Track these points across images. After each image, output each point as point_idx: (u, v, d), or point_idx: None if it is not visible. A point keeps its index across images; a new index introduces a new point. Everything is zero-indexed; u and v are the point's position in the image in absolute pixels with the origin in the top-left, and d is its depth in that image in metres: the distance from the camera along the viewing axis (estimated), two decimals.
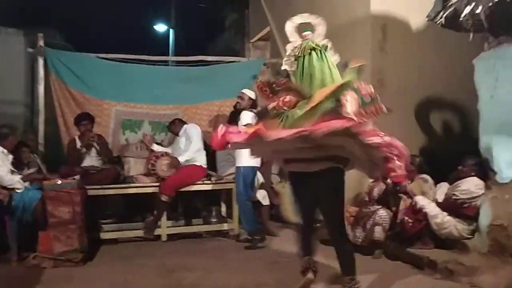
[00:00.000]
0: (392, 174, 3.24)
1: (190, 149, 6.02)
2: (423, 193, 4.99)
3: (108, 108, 6.86)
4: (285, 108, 3.39)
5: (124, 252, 5.37)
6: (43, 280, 4.29)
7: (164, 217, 5.90)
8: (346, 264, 3.54)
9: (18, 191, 5.01)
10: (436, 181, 5.20)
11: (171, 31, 15.87)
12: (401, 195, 5.10)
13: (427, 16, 5.00)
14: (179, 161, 5.93)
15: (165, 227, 5.94)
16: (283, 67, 3.73)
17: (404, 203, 4.97)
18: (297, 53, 3.57)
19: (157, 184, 5.88)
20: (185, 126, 6.32)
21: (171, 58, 10.39)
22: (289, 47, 3.70)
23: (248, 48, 11.07)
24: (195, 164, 6.04)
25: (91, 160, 6.03)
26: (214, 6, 13.31)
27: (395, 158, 3.17)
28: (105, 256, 5.19)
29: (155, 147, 6.17)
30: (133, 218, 6.47)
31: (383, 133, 3.20)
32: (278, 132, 3.17)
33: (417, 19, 6.12)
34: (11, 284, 4.15)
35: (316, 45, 3.54)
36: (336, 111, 3.26)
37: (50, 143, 6.66)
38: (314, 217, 3.84)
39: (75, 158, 5.99)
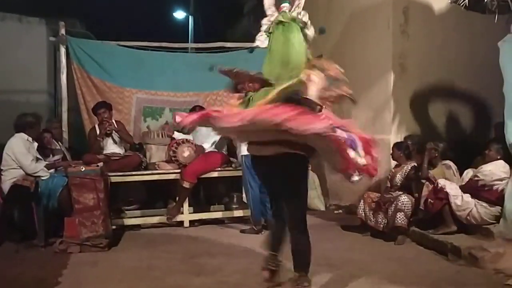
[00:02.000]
0: (344, 167, 2.93)
1: (214, 138, 6.05)
2: (446, 179, 4.95)
3: (129, 95, 6.92)
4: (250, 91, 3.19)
5: (147, 238, 5.45)
6: (69, 264, 4.39)
7: (186, 204, 5.96)
8: (299, 259, 3.20)
9: (43, 178, 5.11)
10: (462, 168, 5.15)
11: (190, 18, 15.84)
12: (424, 181, 5.08)
13: None
14: (201, 148, 5.97)
15: (187, 213, 6.01)
16: (254, 44, 3.41)
17: (426, 189, 4.95)
18: (269, 29, 3.27)
19: (179, 170, 5.93)
20: None
21: (191, 45, 10.37)
22: (265, 22, 3.38)
23: None
24: (216, 151, 6.08)
25: (114, 147, 6.10)
26: None
27: (347, 148, 2.85)
28: (129, 241, 5.28)
29: (176, 135, 6.22)
30: (156, 205, 6.56)
31: (333, 120, 2.90)
32: (228, 116, 2.86)
33: (439, 1, 6.01)
34: (39, 269, 4.24)
35: (284, 17, 3.24)
36: (297, 96, 2.99)
37: (73, 131, 6.78)
38: (280, 203, 3.37)
39: (96, 146, 6.07)
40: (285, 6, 3.33)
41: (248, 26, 12.78)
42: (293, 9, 3.32)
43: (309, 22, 3.32)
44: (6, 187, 5.06)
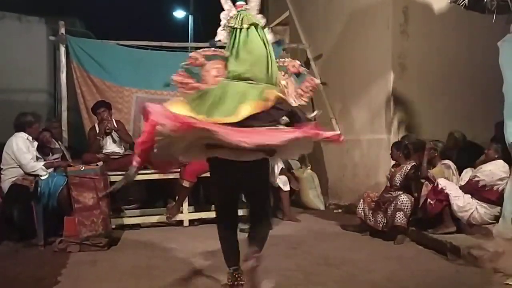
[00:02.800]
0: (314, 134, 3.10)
1: None
2: (445, 179, 4.96)
3: (128, 95, 6.91)
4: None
5: (147, 237, 5.45)
6: (69, 264, 4.39)
7: (185, 203, 5.96)
8: (261, 243, 3.37)
9: (43, 178, 5.11)
10: (461, 167, 5.15)
11: (190, 17, 15.85)
12: (423, 180, 5.08)
13: None
14: None
15: (186, 213, 6.01)
16: (217, 38, 3.42)
17: (426, 188, 4.95)
18: (233, 24, 3.25)
19: (178, 170, 5.93)
20: None
21: (191, 44, 10.35)
22: (223, 16, 3.40)
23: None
24: None
25: (113, 146, 6.10)
26: None
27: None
28: (128, 241, 5.28)
29: None
30: (155, 204, 6.56)
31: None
32: (221, 129, 2.81)
33: (439, 1, 6.02)
34: (38, 268, 4.24)
35: (253, 19, 3.26)
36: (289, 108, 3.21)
37: (73, 130, 6.78)
38: (237, 210, 3.63)
39: (96, 145, 6.07)
40: (243, 4, 3.39)
41: None
42: (250, 9, 3.37)
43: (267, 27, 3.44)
44: (5, 186, 5.07)
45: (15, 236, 5.13)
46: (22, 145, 5.08)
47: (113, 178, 5.62)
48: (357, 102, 6.92)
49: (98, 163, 5.41)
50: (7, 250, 4.86)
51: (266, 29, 3.38)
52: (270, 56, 3.25)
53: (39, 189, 5.04)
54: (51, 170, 5.28)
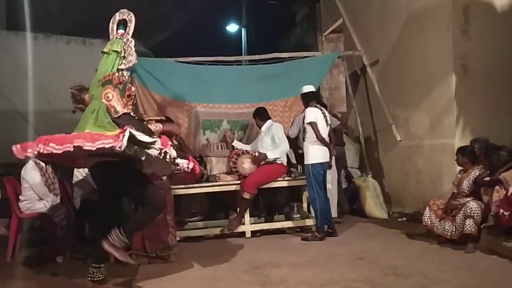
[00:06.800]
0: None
1: (281, 149, 6.12)
2: None
3: (188, 109, 7.08)
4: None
5: (211, 248, 5.53)
6: (138, 276, 4.52)
7: (247, 214, 6.01)
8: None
9: None
10: None
11: (243, 30, 16.08)
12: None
13: None
14: (263, 155, 6.00)
15: (248, 224, 6.06)
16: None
17: (497, 194, 4.69)
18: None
19: (239, 182, 6.00)
20: (270, 122, 6.38)
21: (245, 57, 10.51)
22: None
23: (320, 42, 10.99)
24: (276, 162, 6.10)
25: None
26: (284, 2, 13.32)
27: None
28: (193, 253, 5.37)
29: (235, 143, 6.33)
30: (217, 216, 6.65)
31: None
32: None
33: None
34: (110, 280, 4.39)
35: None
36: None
37: None
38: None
39: None
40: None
41: (301, 35, 12.81)
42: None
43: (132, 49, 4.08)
44: (77, 202, 5.30)
45: (87, 250, 5.34)
46: None
47: (176, 192, 5.78)
48: (418, 107, 6.74)
49: (162, 178, 5.55)
50: (80, 264, 5.06)
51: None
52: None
53: None
54: None
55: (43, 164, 5.46)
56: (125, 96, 4.03)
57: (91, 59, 9.74)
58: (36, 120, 8.41)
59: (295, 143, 6.77)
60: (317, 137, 5.70)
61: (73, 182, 5.43)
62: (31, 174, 5.29)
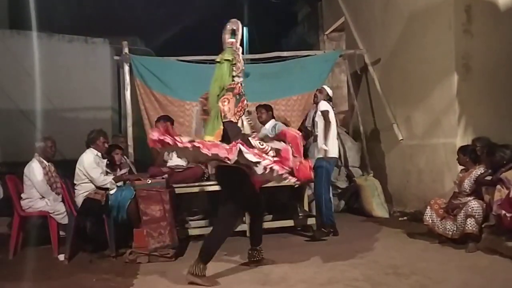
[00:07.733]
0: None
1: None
2: None
3: (189, 108, 7.07)
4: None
5: None
6: (139, 274, 4.53)
7: (247, 214, 5.99)
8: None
9: (111, 192, 5.33)
10: None
11: (244, 29, 16.05)
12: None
13: None
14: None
15: (248, 223, 6.03)
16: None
17: (499, 193, 4.68)
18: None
19: None
20: (274, 122, 6.37)
21: (247, 56, 10.47)
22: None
23: (322, 41, 10.97)
24: None
25: (178, 160, 6.26)
26: (286, 1, 13.30)
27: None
28: (194, 251, 5.30)
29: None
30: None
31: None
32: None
33: None
34: (111, 278, 4.41)
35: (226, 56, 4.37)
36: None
37: (138, 145, 7.02)
38: None
39: (160, 159, 6.25)
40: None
41: (303, 34, 12.79)
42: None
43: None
44: (79, 200, 5.33)
45: (89, 248, 5.37)
46: (91, 160, 5.33)
47: (178, 190, 5.78)
48: (420, 106, 6.73)
49: (163, 176, 5.57)
50: (82, 261, 5.08)
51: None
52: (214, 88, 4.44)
53: (109, 202, 5.26)
54: (120, 183, 5.50)
55: (46, 163, 5.48)
56: (238, 106, 4.29)
57: (93, 58, 9.87)
58: (39, 119, 8.44)
59: None
60: (325, 127, 5.66)
61: (74, 182, 5.44)
62: (35, 172, 5.32)
